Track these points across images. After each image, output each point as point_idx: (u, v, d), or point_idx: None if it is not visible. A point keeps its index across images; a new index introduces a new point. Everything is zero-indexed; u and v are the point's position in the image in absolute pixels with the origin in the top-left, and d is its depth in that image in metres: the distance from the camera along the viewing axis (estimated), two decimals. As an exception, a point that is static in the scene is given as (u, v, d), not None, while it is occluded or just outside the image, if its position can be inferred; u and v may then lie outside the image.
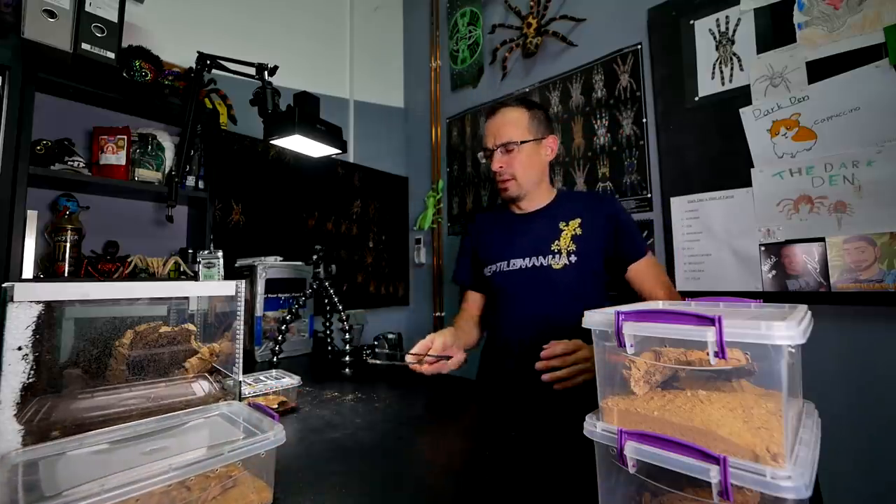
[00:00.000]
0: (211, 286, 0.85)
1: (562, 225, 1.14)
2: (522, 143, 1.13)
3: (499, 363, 1.19)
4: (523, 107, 1.16)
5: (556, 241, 1.13)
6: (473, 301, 1.32)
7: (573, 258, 1.10)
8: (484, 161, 1.21)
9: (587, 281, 1.11)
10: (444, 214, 2.43)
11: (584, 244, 1.11)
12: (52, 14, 1.14)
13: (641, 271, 1.12)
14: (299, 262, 1.65)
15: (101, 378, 0.67)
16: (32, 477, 0.43)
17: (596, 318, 0.46)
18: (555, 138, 1.20)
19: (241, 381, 0.76)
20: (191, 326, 0.79)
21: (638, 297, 1.12)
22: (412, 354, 0.96)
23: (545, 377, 0.89)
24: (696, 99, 1.51)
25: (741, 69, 1.42)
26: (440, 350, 0.97)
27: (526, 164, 1.14)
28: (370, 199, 2.42)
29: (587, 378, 0.86)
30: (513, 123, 1.14)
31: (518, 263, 1.15)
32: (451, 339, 1.01)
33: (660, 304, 0.60)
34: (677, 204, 1.55)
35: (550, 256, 1.12)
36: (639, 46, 1.68)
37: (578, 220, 1.13)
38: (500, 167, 1.14)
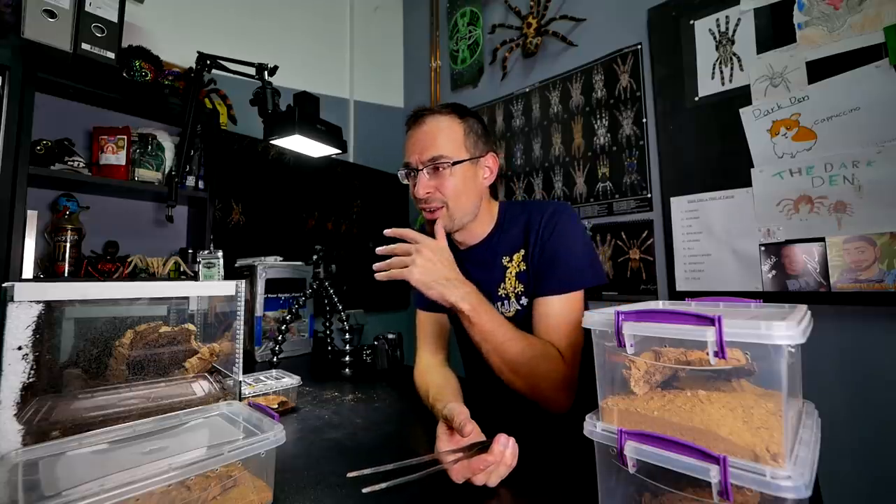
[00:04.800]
0: (211, 286, 0.85)
1: (505, 261, 0.94)
2: (455, 163, 0.86)
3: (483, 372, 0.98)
4: (455, 114, 0.90)
5: (503, 284, 0.93)
6: (440, 322, 1.04)
7: (523, 301, 0.91)
8: (405, 182, 0.92)
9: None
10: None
11: (530, 281, 0.91)
12: (52, 14, 1.14)
13: (545, 309, 0.85)
14: (299, 262, 1.65)
15: (101, 378, 0.67)
16: (32, 477, 0.43)
17: (596, 319, 0.46)
18: (495, 157, 0.94)
19: (241, 381, 0.76)
20: (191, 326, 0.79)
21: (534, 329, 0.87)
22: (447, 453, 0.56)
23: (380, 276, 0.77)
24: (696, 99, 1.51)
25: (741, 69, 1.42)
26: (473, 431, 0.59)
27: (460, 189, 0.87)
28: (370, 199, 2.42)
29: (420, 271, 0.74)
30: (444, 135, 0.87)
31: None
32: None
33: (660, 305, 0.60)
34: (677, 204, 1.55)
35: (500, 304, 0.93)
36: (639, 46, 1.67)
37: (522, 253, 0.93)
38: (427, 193, 0.87)
